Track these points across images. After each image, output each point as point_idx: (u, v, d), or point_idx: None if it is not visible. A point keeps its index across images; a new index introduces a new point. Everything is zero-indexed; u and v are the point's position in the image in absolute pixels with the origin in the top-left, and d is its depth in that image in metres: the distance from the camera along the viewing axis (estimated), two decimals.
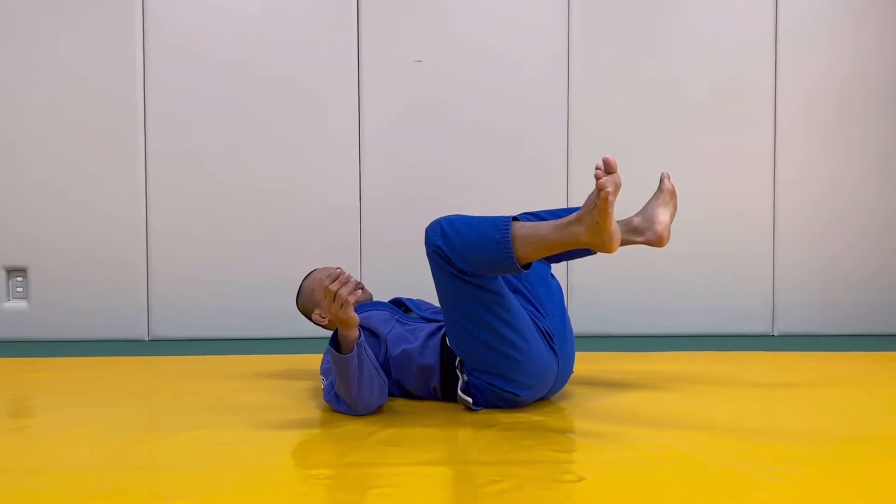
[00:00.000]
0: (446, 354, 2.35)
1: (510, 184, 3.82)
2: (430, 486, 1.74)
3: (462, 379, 2.32)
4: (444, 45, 3.85)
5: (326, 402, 2.35)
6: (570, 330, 2.47)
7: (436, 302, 2.51)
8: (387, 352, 2.42)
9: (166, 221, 3.82)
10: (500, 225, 2.10)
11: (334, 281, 2.12)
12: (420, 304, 2.66)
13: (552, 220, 2.17)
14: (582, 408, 2.41)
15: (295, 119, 3.82)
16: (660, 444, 2.01)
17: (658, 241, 2.40)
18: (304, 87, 3.81)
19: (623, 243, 2.30)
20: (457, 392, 2.35)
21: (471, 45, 3.84)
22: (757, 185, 3.89)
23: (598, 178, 1.96)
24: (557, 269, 3.76)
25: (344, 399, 2.26)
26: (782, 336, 3.89)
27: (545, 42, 3.84)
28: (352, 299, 2.11)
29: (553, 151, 3.85)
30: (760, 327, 3.91)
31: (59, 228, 3.80)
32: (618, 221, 2.15)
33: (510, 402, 2.33)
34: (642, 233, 2.42)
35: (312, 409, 2.42)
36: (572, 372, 2.50)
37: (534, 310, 2.37)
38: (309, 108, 3.82)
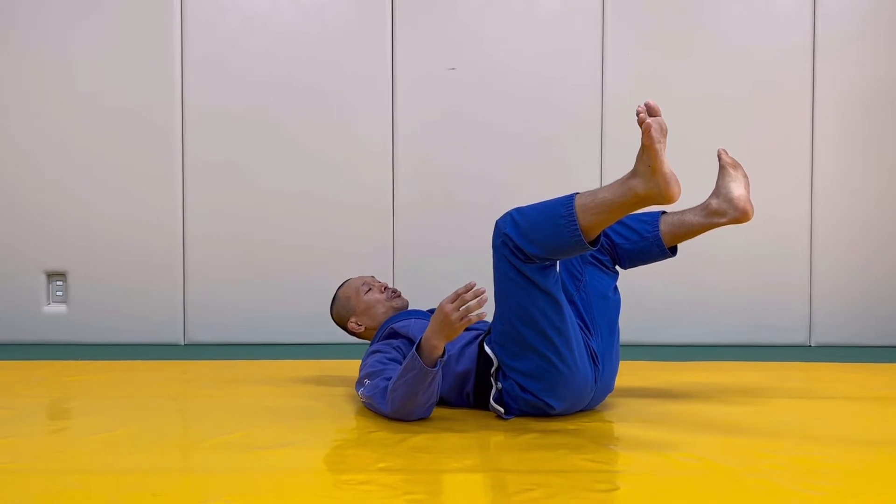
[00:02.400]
0: (482, 361, 2.35)
1: (541, 190, 3.78)
2: (461, 493, 1.74)
3: (496, 387, 2.32)
4: (477, 53, 3.85)
5: (366, 402, 2.34)
6: (618, 349, 2.44)
7: None
8: None
9: (203, 228, 3.86)
10: (565, 200, 2.12)
11: (468, 293, 2.10)
12: None
13: None
14: (616, 417, 2.40)
15: (329, 126, 3.85)
16: (694, 455, 1.99)
17: (743, 217, 2.34)
18: (338, 94, 3.84)
19: (708, 227, 2.33)
20: (489, 401, 2.34)
21: (503, 54, 3.84)
22: (794, 194, 3.85)
23: (640, 119, 1.97)
24: None
25: (400, 405, 2.21)
26: (819, 346, 3.84)
27: (578, 49, 3.83)
28: (473, 320, 2.09)
29: (585, 158, 3.83)
30: (797, 338, 3.86)
31: (99, 234, 3.86)
32: (694, 208, 2.20)
33: (541, 413, 2.31)
34: (724, 213, 2.38)
35: (346, 414, 2.43)
36: (611, 391, 2.46)
37: (582, 324, 2.36)
38: (343, 115, 3.85)
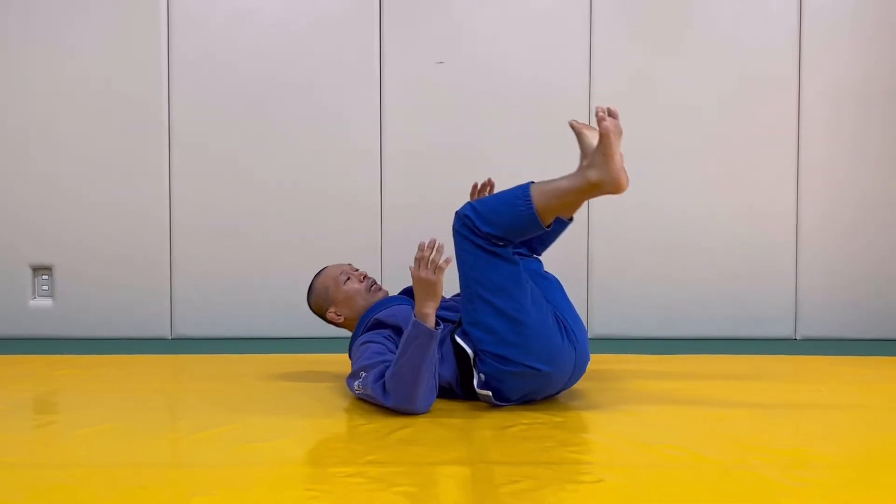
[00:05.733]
0: (459, 354, 2.37)
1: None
2: (449, 485, 1.75)
3: (478, 376, 2.34)
4: (466, 49, 3.85)
5: (362, 394, 2.34)
6: (579, 317, 2.48)
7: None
8: None
9: (190, 223, 3.85)
10: (522, 186, 2.31)
11: (425, 248, 2.27)
12: None
13: None
14: (602, 410, 2.41)
15: (317, 120, 3.84)
16: (680, 448, 2.00)
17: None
18: (327, 88, 3.83)
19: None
20: (475, 390, 2.36)
21: (492, 48, 3.84)
22: (779, 188, 3.86)
23: (599, 117, 2.18)
24: (575, 272, 3.77)
25: (404, 388, 2.23)
26: (805, 340, 3.86)
27: (567, 46, 3.84)
28: (444, 266, 2.25)
29: (575, 153, 3.82)
30: (783, 331, 3.88)
31: (85, 228, 3.85)
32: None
33: (532, 381, 2.32)
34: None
35: (334, 407, 2.44)
36: (588, 360, 2.48)
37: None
38: (331, 109, 3.84)
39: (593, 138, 2.35)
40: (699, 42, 3.85)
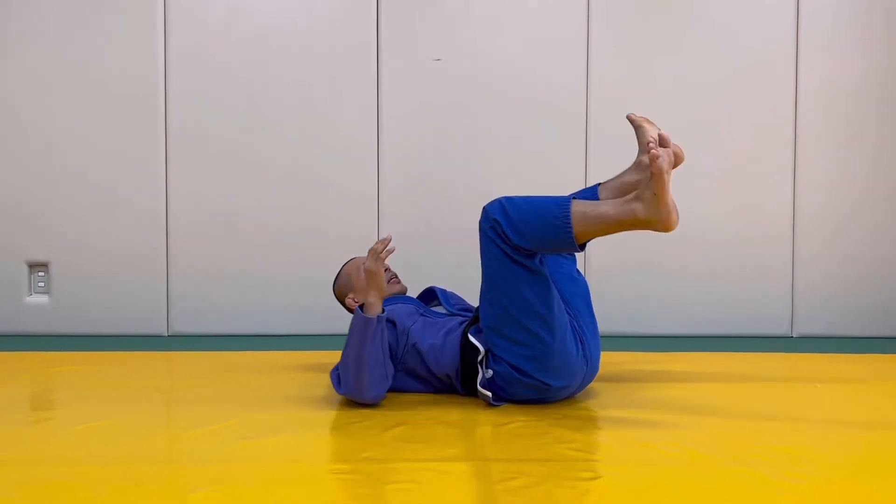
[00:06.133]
0: (468, 350, 2.37)
1: (526, 180, 3.81)
2: (446, 482, 1.74)
3: (483, 374, 2.34)
4: (463, 44, 3.85)
5: (334, 387, 2.39)
6: (597, 329, 2.48)
7: (465, 295, 2.52)
8: (406, 344, 2.43)
9: (187, 219, 3.84)
10: (561, 202, 2.18)
11: (377, 242, 2.35)
12: (450, 298, 2.68)
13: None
14: (599, 407, 2.41)
15: (314, 116, 3.83)
16: (677, 444, 2.00)
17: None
18: (324, 83, 3.82)
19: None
20: (476, 386, 2.36)
21: (489, 45, 3.83)
22: (777, 187, 3.86)
23: (651, 150, 2.04)
24: None
25: (350, 376, 2.29)
26: (801, 338, 3.86)
27: (564, 41, 3.83)
28: (384, 257, 2.31)
29: (570, 149, 3.83)
30: (779, 329, 3.89)
31: (81, 225, 3.84)
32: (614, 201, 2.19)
33: (539, 394, 2.33)
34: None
35: (330, 404, 2.43)
36: (597, 371, 2.50)
37: (564, 305, 2.39)
38: (328, 104, 3.83)
39: (653, 131, 2.34)
40: (697, 37, 3.84)
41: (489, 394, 2.34)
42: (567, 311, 2.38)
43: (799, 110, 3.84)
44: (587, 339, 2.38)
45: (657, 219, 2.10)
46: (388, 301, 2.61)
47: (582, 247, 2.21)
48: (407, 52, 3.83)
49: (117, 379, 2.87)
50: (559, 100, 3.83)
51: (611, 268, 3.85)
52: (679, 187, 3.91)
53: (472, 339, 2.34)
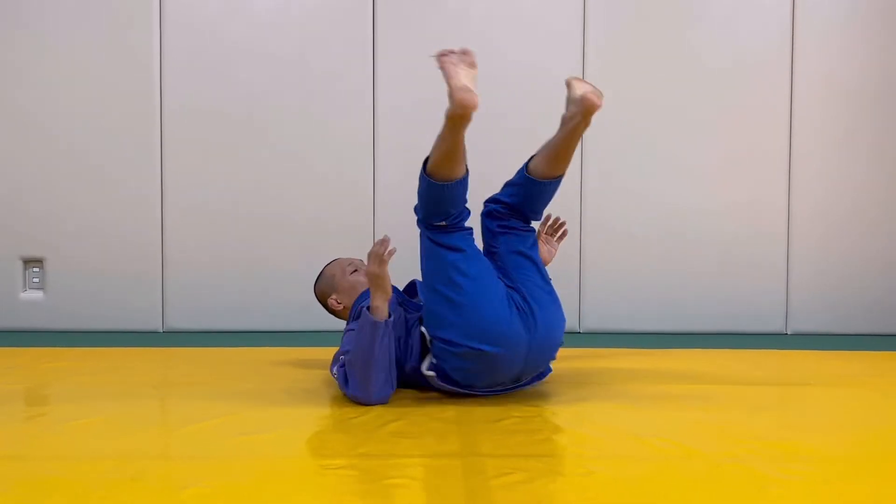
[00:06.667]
0: (424, 339, 2.41)
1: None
2: (441, 477, 1.75)
3: (430, 359, 2.39)
4: (460, 39, 3.83)
5: (340, 386, 2.37)
6: (556, 301, 2.44)
7: None
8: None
9: (182, 215, 3.84)
10: (421, 172, 2.40)
11: (376, 244, 2.37)
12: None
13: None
14: (593, 403, 2.41)
15: (311, 112, 3.83)
16: (671, 441, 2.01)
17: (591, 106, 2.41)
18: (320, 79, 3.82)
19: (570, 134, 2.48)
20: (422, 371, 2.40)
21: (486, 40, 3.83)
22: (771, 185, 3.87)
23: (440, 54, 2.33)
24: (566, 266, 3.76)
25: (357, 378, 2.29)
26: (795, 335, 3.87)
27: (560, 35, 3.83)
28: (387, 259, 2.34)
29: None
30: (774, 326, 3.90)
31: (77, 221, 3.83)
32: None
33: (477, 363, 2.31)
34: (573, 114, 2.48)
35: (326, 400, 2.44)
36: (555, 345, 2.44)
37: (504, 278, 2.41)
38: (325, 100, 3.83)
39: (573, 86, 2.49)
40: (693, 36, 3.85)
41: (433, 374, 2.38)
42: (506, 282, 2.39)
43: (794, 109, 3.85)
44: (535, 310, 2.35)
45: (453, 101, 2.26)
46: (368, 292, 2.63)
47: (441, 179, 2.34)
48: (403, 47, 3.83)
49: (112, 375, 2.87)
50: (555, 96, 3.81)
51: (606, 265, 3.86)
52: (674, 186, 3.94)
53: (421, 327, 2.40)
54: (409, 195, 3.78)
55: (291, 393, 2.53)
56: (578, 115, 2.43)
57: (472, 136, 3.80)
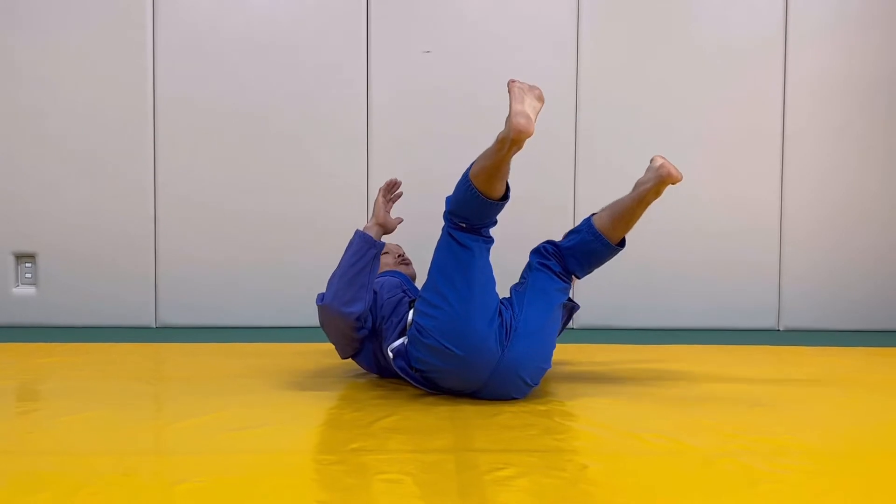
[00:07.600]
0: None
1: (517, 168, 3.79)
2: (434, 473, 1.75)
3: (402, 339, 2.41)
4: (453, 35, 3.84)
5: (317, 302, 2.48)
6: (548, 342, 2.41)
7: None
8: (378, 316, 2.52)
9: (175, 210, 3.83)
10: (465, 172, 2.41)
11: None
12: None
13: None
14: (586, 399, 2.42)
15: (304, 108, 3.82)
16: (664, 436, 2.01)
17: (668, 177, 2.48)
18: (314, 73, 3.81)
19: (640, 200, 2.50)
20: (386, 350, 2.43)
21: (480, 36, 3.83)
22: (764, 181, 3.88)
23: (511, 82, 2.40)
24: None
25: (334, 286, 2.44)
26: (788, 331, 3.88)
27: (554, 31, 3.83)
28: (389, 196, 2.81)
29: (560, 139, 3.84)
30: (766, 322, 3.90)
31: (69, 216, 3.82)
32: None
33: (442, 360, 2.31)
34: (647, 180, 2.52)
35: (319, 396, 2.44)
36: (523, 371, 2.34)
37: (507, 303, 2.40)
38: (318, 96, 3.82)
39: (659, 160, 2.55)
40: (686, 35, 3.85)
41: (391, 355, 2.40)
42: (503, 301, 2.39)
43: (787, 104, 3.86)
44: (515, 335, 2.31)
45: (510, 125, 2.27)
46: (382, 274, 2.75)
47: (485, 194, 2.32)
48: (397, 42, 3.82)
49: (105, 370, 2.86)
50: (548, 91, 3.80)
51: None
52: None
53: (409, 314, 2.43)
54: (403, 193, 3.81)
55: (284, 389, 2.53)
56: (652, 181, 2.47)
57: (461, 129, 3.83)
